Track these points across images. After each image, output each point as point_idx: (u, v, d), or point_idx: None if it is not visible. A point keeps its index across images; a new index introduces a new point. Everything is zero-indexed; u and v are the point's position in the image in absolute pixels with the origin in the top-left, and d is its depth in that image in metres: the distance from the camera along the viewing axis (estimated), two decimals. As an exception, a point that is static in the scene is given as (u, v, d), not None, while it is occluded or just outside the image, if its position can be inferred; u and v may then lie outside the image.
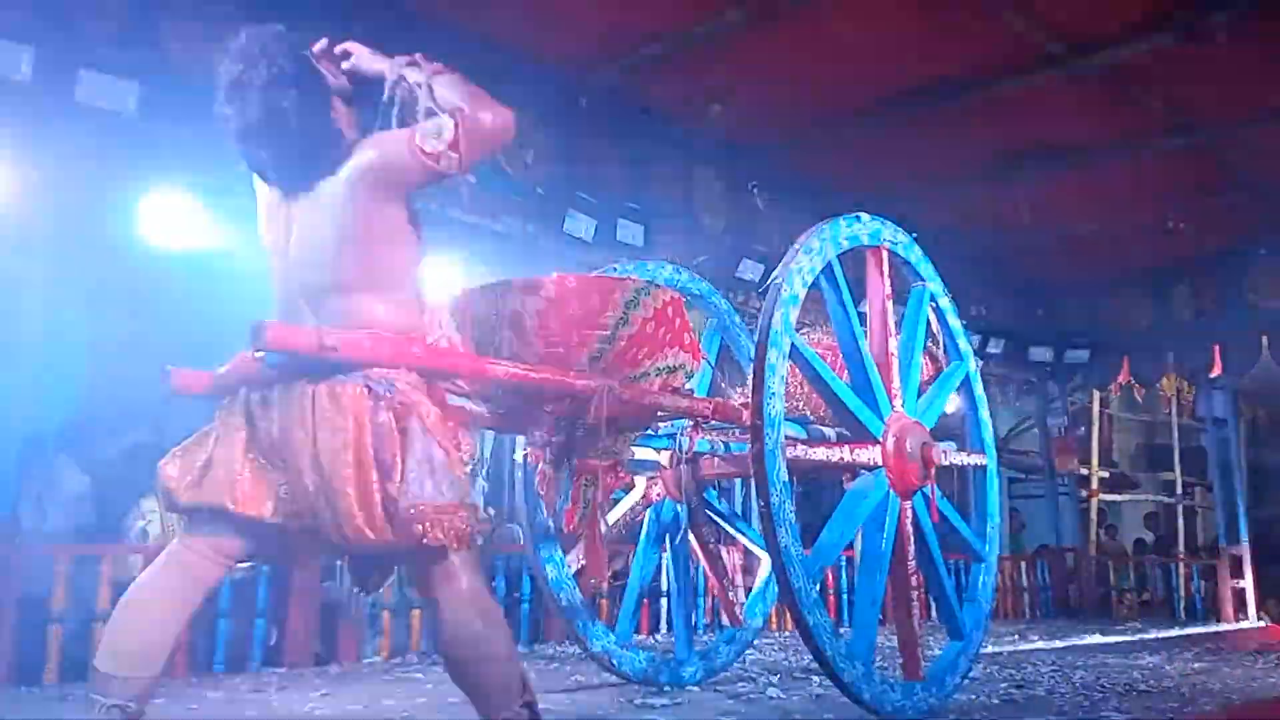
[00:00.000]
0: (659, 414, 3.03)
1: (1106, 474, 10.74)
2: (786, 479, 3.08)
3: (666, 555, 4.52)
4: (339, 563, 4.81)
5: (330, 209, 2.24)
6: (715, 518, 4.37)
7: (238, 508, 2.18)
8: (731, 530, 4.52)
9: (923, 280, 3.91)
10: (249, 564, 3.27)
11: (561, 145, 5.72)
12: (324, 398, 2.14)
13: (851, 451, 3.47)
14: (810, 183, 6.90)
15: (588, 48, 5.43)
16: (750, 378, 3.29)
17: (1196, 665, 5.09)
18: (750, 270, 6.54)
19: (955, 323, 4.07)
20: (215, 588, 2.37)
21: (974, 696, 3.88)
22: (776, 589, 4.75)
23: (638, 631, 5.25)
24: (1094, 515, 10.06)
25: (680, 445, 3.71)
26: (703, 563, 4.45)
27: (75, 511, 5.53)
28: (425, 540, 2.11)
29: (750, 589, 4.81)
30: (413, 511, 2.09)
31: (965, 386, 4.10)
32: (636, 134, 6.12)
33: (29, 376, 4.80)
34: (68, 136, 4.09)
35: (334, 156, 2.25)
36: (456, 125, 2.22)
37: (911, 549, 3.58)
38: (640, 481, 4.15)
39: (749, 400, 3.24)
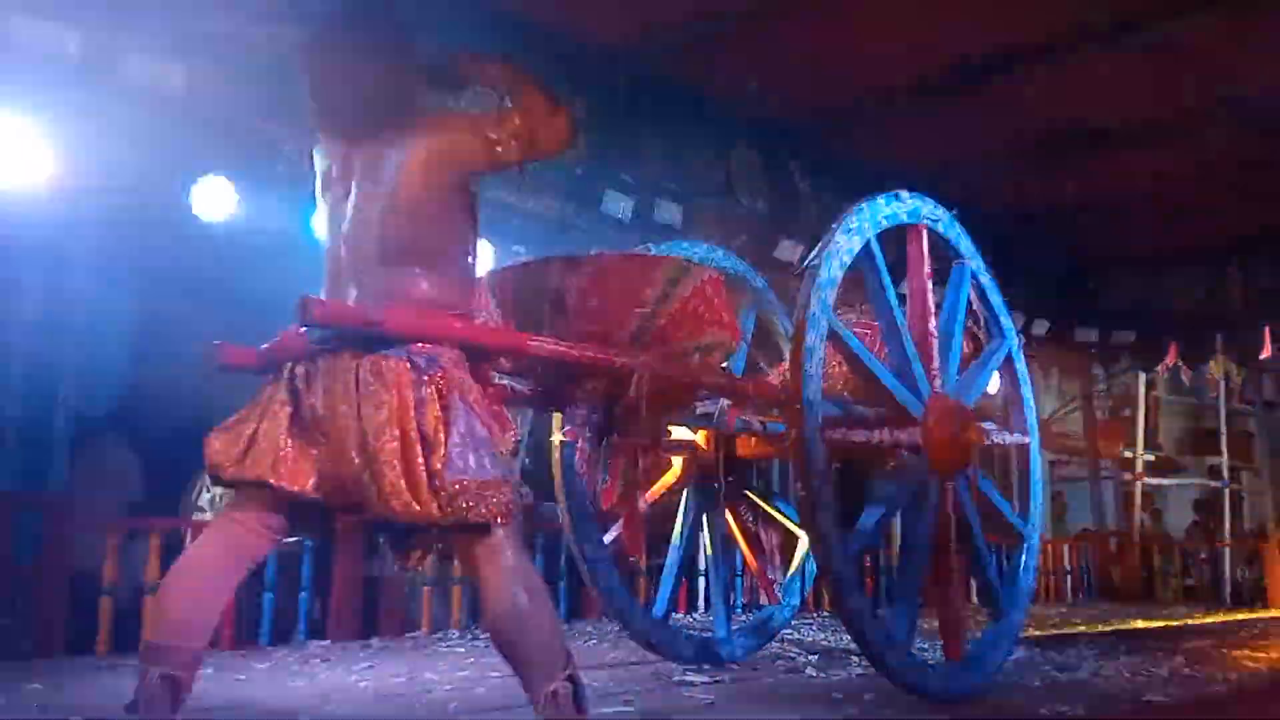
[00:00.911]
0: (698, 392, 3.03)
1: (1152, 457, 10.58)
2: (825, 463, 3.06)
3: (704, 535, 4.52)
4: (380, 538, 4.89)
5: (390, 181, 2.29)
6: (753, 497, 4.36)
7: (280, 482, 2.21)
8: (769, 509, 4.51)
9: (963, 258, 3.86)
10: (294, 539, 3.32)
11: (599, 125, 5.70)
12: (368, 372, 2.17)
13: (891, 433, 3.44)
14: (851, 162, 6.82)
15: (626, 27, 5.40)
16: (788, 359, 3.27)
17: (1242, 651, 5.02)
18: (789, 251, 6.49)
19: (997, 300, 4.02)
20: (261, 560, 2.42)
21: (1016, 679, 3.85)
22: (815, 569, 4.75)
23: (675, 610, 5.27)
24: (1138, 499, 9.91)
25: (718, 424, 3.70)
26: (740, 542, 4.45)
27: (125, 488, 5.66)
28: (470, 516, 2.13)
29: (788, 568, 4.80)
30: (457, 487, 2.11)
31: (1008, 365, 4.05)
32: (674, 113, 6.09)
33: (80, 355, 4.89)
34: (116, 117, 4.15)
35: (405, 126, 2.31)
36: (524, 119, 2.31)
37: (953, 531, 3.55)
38: (677, 461, 4.15)
39: (787, 379, 3.23)
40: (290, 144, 4.82)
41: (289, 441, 2.23)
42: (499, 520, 2.15)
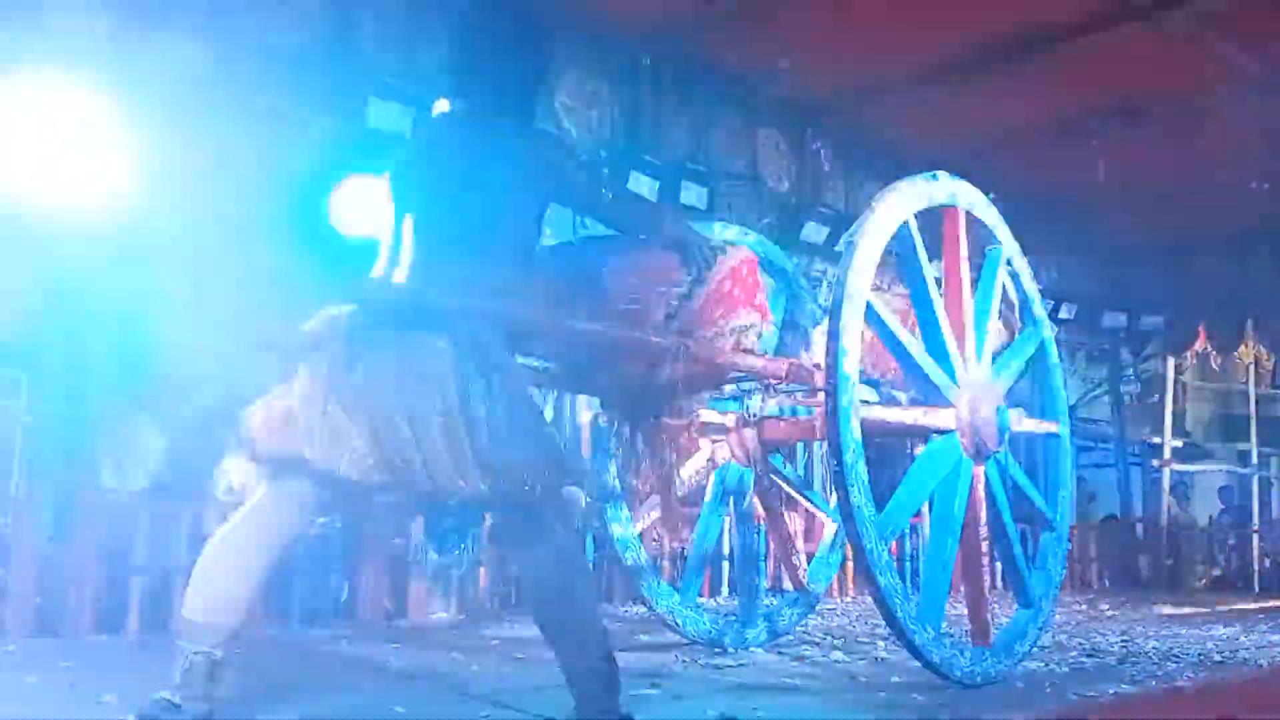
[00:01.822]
0: (733, 374, 3.01)
1: (1180, 444, 10.44)
2: (860, 439, 3.04)
3: (730, 518, 4.51)
4: (411, 521, 4.91)
5: (481, 169, 2.33)
6: (780, 482, 4.34)
7: (314, 458, 2.21)
8: (795, 494, 4.49)
9: (999, 243, 3.81)
10: (327, 518, 3.34)
11: (625, 106, 5.67)
12: (411, 349, 2.17)
13: (925, 415, 3.41)
14: (877, 143, 6.77)
15: (652, 5, 5.36)
16: (824, 337, 3.24)
17: (1274, 637, 4.96)
18: (815, 233, 6.45)
19: (1031, 287, 3.97)
20: (298, 539, 2.42)
21: (1043, 664, 3.83)
22: (840, 554, 4.73)
23: (699, 594, 5.26)
24: (1166, 486, 9.80)
25: (747, 407, 3.68)
26: (767, 526, 4.43)
27: (152, 469, 5.69)
28: (515, 496, 2.13)
29: (811, 554, 4.78)
30: (503, 467, 2.11)
31: (1040, 353, 4.01)
32: (700, 94, 6.05)
33: (108, 336, 4.91)
34: (143, 98, 4.15)
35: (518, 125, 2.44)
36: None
37: (983, 515, 3.53)
38: (705, 444, 4.13)
39: (819, 362, 3.21)
40: (318, 127, 4.83)
41: (325, 419, 2.22)
42: (544, 500, 2.15)
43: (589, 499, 4.12)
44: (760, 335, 2.94)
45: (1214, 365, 10.09)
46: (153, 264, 5.32)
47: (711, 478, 4.23)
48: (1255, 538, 9.29)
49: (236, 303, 3.92)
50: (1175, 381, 10.41)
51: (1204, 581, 8.82)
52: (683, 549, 5.77)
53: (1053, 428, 4.01)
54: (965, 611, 3.64)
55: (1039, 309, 4.01)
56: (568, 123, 5.44)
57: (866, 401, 3.35)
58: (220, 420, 5.61)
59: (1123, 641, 4.68)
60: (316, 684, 3.31)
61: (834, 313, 3.05)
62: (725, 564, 6.29)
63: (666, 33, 5.57)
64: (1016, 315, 4.04)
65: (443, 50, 4.58)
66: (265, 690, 3.04)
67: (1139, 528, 9.14)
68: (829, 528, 4.67)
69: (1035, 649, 3.80)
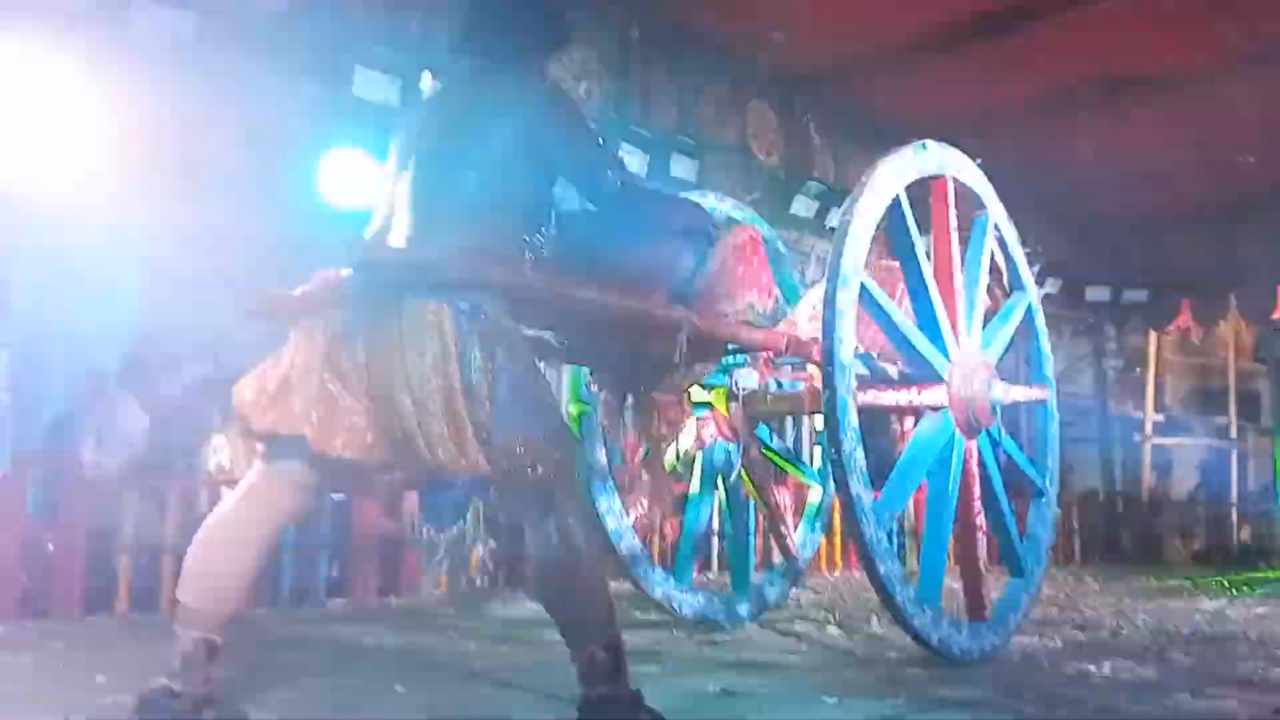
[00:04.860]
0: (731, 347, 2.97)
1: (1160, 418, 10.53)
2: (858, 426, 3.01)
3: (720, 494, 4.46)
4: (405, 499, 4.85)
5: (496, 136, 2.28)
6: (768, 455, 4.28)
7: (311, 438, 2.12)
8: (785, 466, 4.44)
9: (985, 208, 3.77)
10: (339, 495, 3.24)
11: (615, 77, 5.61)
12: (411, 318, 2.09)
13: (919, 393, 3.39)
14: (866, 116, 6.73)
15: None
16: (809, 308, 3.20)
17: (1260, 610, 5.01)
18: (805, 208, 6.42)
19: (1018, 252, 3.93)
20: (296, 519, 2.35)
21: (1037, 638, 3.84)
22: (823, 527, 4.70)
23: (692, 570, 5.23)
24: (1147, 459, 9.89)
25: (735, 382, 3.64)
26: (757, 501, 4.39)
27: (135, 447, 5.62)
28: (519, 475, 2.08)
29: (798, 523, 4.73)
30: (505, 443, 2.06)
31: (1027, 319, 3.98)
32: (689, 65, 5.99)
33: (89, 312, 4.83)
34: (126, 67, 4.06)
35: (522, 79, 2.39)
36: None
37: (977, 490, 3.52)
38: (692, 423, 4.06)
39: (811, 335, 3.17)
40: (299, 96, 4.75)
41: (322, 393, 2.14)
42: (550, 478, 2.10)
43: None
44: (761, 311, 2.91)
45: (1194, 339, 10.15)
46: (135, 235, 5.24)
47: (699, 457, 4.17)
48: (1234, 511, 9.39)
49: (223, 272, 3.85)
50: (1155, 356, 10.49)
51: (1185, 554, 8.91)
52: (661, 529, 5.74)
53: (1041, 394, 3.99)
54: (958, 584, 3.64)
55: (1025, 273, 3.97)
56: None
57: (861, 377, 3.31)
58: (207, 396, 5.57)
59: (1113, 615, 4.71)
60: (312, 665, 3.27)
61: (829, 299, 3.01)
62: (715, 540, 6.28)
63: (656, 4, 5.50)
64: (1002, 282, 4.00)
65: (435, 18, 4.53)
66: (262, 672, 3.01)
67: (1119, 501, 9.21)
68: (812, 499, 4.61)
69: (1029, 621, 3.80)
